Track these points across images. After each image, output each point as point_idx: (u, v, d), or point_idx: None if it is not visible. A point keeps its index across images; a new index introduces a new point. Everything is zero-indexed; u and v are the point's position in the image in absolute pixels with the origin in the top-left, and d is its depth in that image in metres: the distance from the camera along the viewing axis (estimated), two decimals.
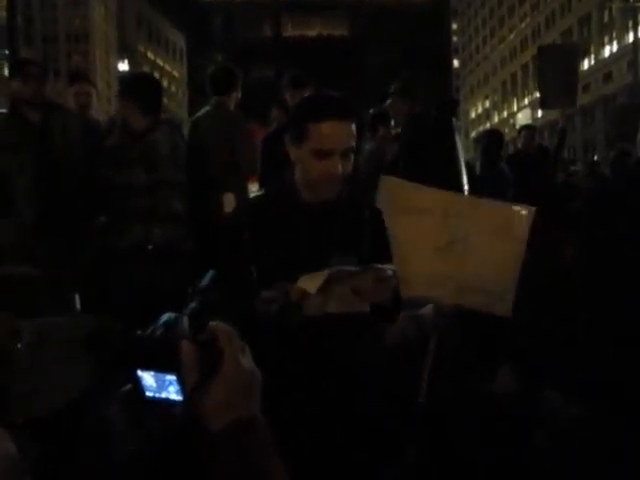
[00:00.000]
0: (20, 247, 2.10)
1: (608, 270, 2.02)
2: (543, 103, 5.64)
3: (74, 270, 2.70)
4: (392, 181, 2.06)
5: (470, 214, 2.15)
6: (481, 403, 2.63)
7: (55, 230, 2.76)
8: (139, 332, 0.72)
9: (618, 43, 41.95)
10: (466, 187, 4.07)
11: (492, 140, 4.92)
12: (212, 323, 0.73)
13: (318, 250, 1.57)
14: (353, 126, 1.54)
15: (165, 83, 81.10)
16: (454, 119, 4.21)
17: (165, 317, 0.75)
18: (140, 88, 2.96)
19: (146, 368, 0.70)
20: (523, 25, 59.16)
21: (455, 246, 2.00)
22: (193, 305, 0.79)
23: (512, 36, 61.68)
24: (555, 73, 5.24)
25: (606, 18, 44.07)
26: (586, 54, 46.56)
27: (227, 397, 0.70)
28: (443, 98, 5.05)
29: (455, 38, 73.21)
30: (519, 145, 5.76)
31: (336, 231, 1.58)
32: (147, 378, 0.70)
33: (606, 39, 44.29)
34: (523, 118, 47.82)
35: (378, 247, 1.60)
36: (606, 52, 44.39)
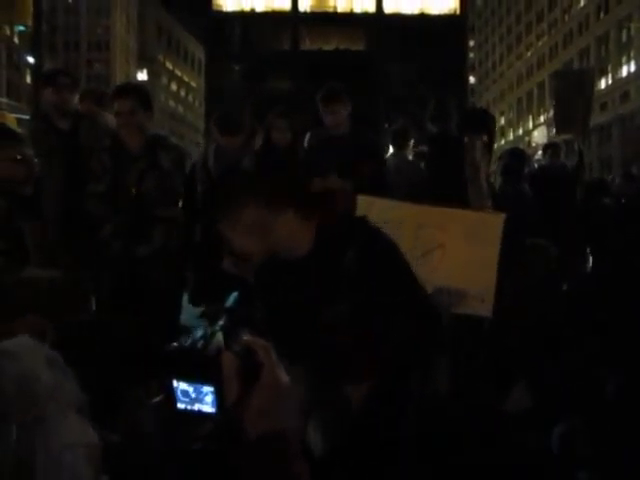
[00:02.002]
0: (45, 249, 2.15)
1: (626, 274, 2.04)
2: (557, 127, 5.68)
3: (94, 272, 2.74)
4: (365, 200, 2.16)
5: (443, 224, 2.25)
6: (491, 419, 2.62)
7: (79, 233, 2.82)
8: (176, 344, 0.75)
9: (636, 63, 41.78)
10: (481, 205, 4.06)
11: (514, 159, 4.84)
12: (247, 337, 0.76)
13: (306, 304, 1.48)
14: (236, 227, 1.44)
15: (183, 93, 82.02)
16: (474, 135, 4.20)
17: (201, 331, 0.78)
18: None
19: (185, 379, 0.73)
20: (540, 43, 59.12)
21: (431, 255, 2.14)
22: (223, 322, 0.81)
23: (529, 54, 61.64)
24: (570, 98, 5.26)
25: (624, 38, 43.96)
26: (603, 73, 46.41)
27: (264, 408, 0.72)
28: (466, 112, 5.02)
29: (472, 54, 73.32)
30: (543, 162, 5.71)
31: (319, 282, 1.48)
32: (183, 389, 0.73)
33: (624, 59, 44.13)
34: (539, 136, 47.61)
35: (368, 289, 1.47)
36: (624, 71, 44.20)
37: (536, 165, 5.93)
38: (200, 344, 0.75)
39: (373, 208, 2.16)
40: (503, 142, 62.03)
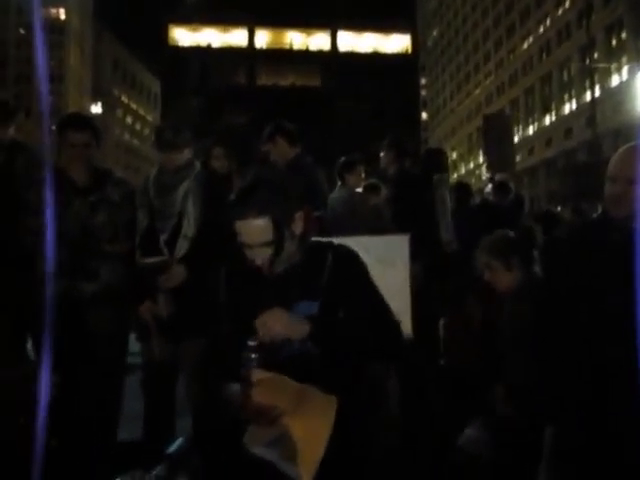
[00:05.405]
0: None
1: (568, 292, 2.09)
2: (489, 167, 6.05)
3: (30, 314, 2.59)
4: None
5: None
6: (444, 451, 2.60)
7: (12, 270, 2.69)
8: None
9: (577, 101, 44.02)
10: (450, 239, 4.14)
11: (461, 192, 4.95)
12: None
13: (284, 297, 1.72)
14: (267, 221, 1.69)
15: (138, 126, 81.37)
16: (439, 173, 4.32)
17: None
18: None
19: None
20: (488, 82, 61.70)
21: None
22: (160, 469, 0.83)
23: (478, 91, 64.17)
24: (496, 140, 5.64)
25: (565, 77, 46.35)
26: (548, 111, 48.70)
27: None
28: (428, 151, 5.17)
29: (424, 92, 75.77)
30: (490, 198, 5.81)
31: (299, 278, 1.75)
32: None
33: (566, 97, 46.43)
34: None
35: (337, 291, 1.74)
36: (566, 109, 46.45)
37: (488, 197, 6.06)
38: None
39: None
40: (455, 175, 63.84)
